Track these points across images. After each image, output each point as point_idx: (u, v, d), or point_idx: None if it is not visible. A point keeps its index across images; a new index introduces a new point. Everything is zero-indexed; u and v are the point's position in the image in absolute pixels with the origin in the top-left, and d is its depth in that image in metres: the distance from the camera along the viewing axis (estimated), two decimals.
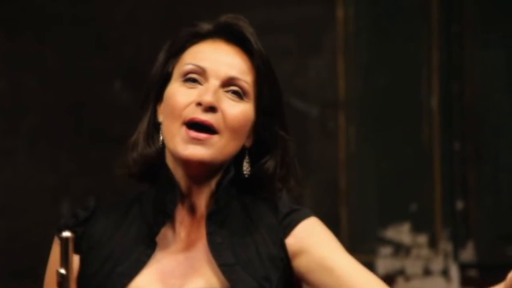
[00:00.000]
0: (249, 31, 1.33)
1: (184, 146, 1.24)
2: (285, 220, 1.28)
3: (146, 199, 1.33)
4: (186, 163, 1.26)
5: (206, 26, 1.36)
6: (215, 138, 1.25)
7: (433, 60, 3.79)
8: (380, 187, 3.82)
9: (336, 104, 3.83)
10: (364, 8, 3.86)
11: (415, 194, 3.78)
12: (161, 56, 1.37)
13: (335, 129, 3.83)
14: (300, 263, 1.27)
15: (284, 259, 1.26)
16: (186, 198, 1.29)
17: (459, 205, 3.73)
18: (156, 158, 1.30)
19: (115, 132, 3.81)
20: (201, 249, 1.27)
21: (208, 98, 1.25)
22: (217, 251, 1.25)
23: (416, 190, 3.79)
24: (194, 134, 1.24)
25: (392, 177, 3.81)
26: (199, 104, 1.25)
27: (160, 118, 1.32)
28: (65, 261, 0.96)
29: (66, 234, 0.97)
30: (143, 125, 1.34)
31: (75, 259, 1.29)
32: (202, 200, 1.30)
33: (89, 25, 3.94)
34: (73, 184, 3.90)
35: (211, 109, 1.25)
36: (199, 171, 1.28)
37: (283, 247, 1.26)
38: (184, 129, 1.25)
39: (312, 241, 1.27)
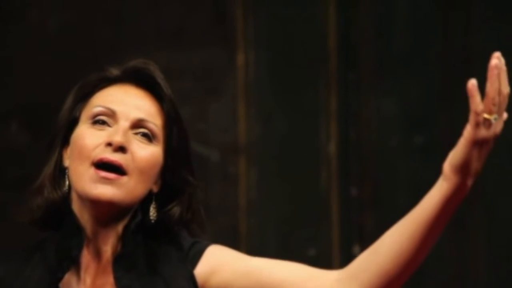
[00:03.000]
0: (158, 76, 1.35)
1: (93, 185, 1.23)
2: (190, 253, 1.30)
3: (49, 245, 1.29)
4: (95, 203, 1.24)
5: (115, 71, 1.37)
6: (124, 179, 1.25)
7: (331, 106, 3.87)
8: (279, 232, 3.83)
9: (236, 149, 3.85)
10: (264, 54, 3.91)
11: (313, 239, 3.81)
12: (69, 100, 1.36)
13: (236, 174, 3.84)
14: (214, 282, 1.28)
15: None
16: (91, 243, 1.27)
17: (356, 250, 3.77)
18: (61, 203, 1.29)
19: (11, 176, 3.70)
20: None
21: (118, 138, 1.24)
22: None
23: (314, 235, 3.82)
24: (103, 173, 1.23)
25: (291, 222, 3.84)
26: (108, 144, 1.25)
27: (67, 162, 1.31)
28: None
29: None
30: (49, 170, 1.32)
31: None
32: (108, 245, 1.28)
33: None
34: None
35: (121, 149, 1.25)
36: (107, 212, 1.26)
37: (192, 279, 1.27)
38: (92, 169, 1.24)
39: (221, 260, 1.29)
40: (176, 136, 1.34)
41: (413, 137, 3.86)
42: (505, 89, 1.09)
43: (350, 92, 3.90)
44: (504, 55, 1.10)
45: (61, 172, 1.31)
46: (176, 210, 1.33)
